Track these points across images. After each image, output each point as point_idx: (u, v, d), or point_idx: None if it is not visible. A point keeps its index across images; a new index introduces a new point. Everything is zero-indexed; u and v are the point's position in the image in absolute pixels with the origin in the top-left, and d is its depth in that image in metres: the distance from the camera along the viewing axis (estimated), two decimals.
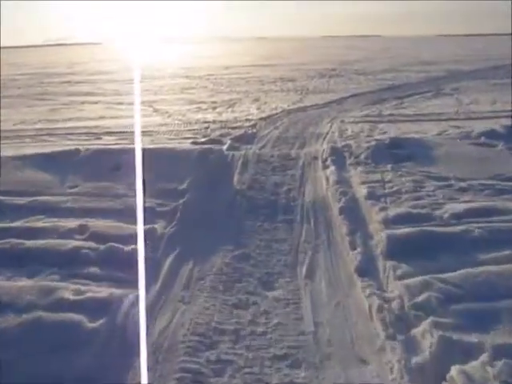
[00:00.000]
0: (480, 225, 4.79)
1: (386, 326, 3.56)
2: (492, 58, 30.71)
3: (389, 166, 6.97)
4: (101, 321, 3.52)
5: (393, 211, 5.29)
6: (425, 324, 3.42)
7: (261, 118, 12.56)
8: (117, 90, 20.54)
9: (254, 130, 11.03)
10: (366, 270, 4.42)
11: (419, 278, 3.95)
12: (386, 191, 5.99)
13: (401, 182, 6.26)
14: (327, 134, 10.33)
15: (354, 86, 19.14)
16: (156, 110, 14.92)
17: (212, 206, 6.20)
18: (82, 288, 4.02)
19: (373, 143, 7.89)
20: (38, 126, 13.00)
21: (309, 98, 16.63)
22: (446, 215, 5.12)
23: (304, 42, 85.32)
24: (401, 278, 4.08)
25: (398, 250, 4.51)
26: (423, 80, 20.57)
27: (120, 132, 11.43)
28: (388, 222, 5.05)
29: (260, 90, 19.19)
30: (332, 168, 7.14)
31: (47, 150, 8.42)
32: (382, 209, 5.41)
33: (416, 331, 3.44)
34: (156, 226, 5.42)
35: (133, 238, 5.02)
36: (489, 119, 11.43)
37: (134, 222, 5.52)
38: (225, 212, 6.03)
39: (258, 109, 14.39)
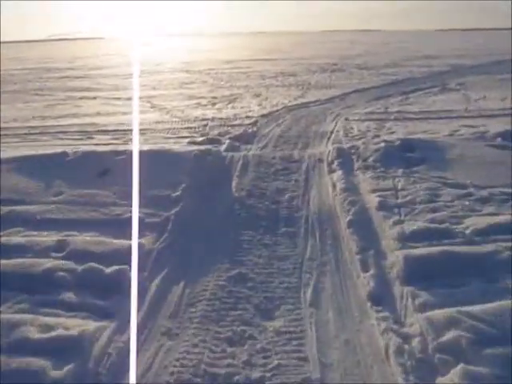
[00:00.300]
0: (509, 244, 4.22)
1: (406, 373, 3.00)
2: (494, 52, 29.98)
3: (400, 171, 6.39)
4: (68, 367, 2.98)
5: (408, 226, 4.71)
6: (454, 373, 2.86)
7: (262, 115, 12.02)
8: (116, 84, 20.20)
9: (255, 129, 10.47)
10: (380, 297, 3.86)
11: (444, 312, 3.39)
12: (399, 201, 5.42)
13: (415, 190, 5.69)
14: (332, 133, 9.75)
15: (357, 81, 18.64)
16: (154, 106, 14.45)
17: (207, 216, 5.65)
18: (52, 322, 3.47)
19: (382, 145, 7.29)
20: (31, 123, 12.51)
21: (311, 93, 16.14)
22: (469, 231, 4.55)
23: (304, 36, 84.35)
24: (421, 309, 3.52)
25: (417, 273, 3.95)
26: (427, 75, 20.05)
27: (114, 130, 10.92)
28: (403, 239, 4.49)
29: (261, 84, 18.69)
30: (339, 173, 6.57)
31: (34, 152, 7.86)
32: (396, 222, 4.85)
33: (443, 382, 2.88)
34: (144, 240, 4.87)
35: (116, 256, 4.49)
36: (501, 117, 10.84)
37: (119, 236, 5.01)
38: (221, 223, 5.48)
39: (259, 105, 13.88)
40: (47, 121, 12.77)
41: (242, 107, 13.60)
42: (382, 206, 5.27)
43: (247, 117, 11.86)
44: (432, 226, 4.70)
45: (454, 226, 4.68)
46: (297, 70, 23.26)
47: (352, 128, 9.97)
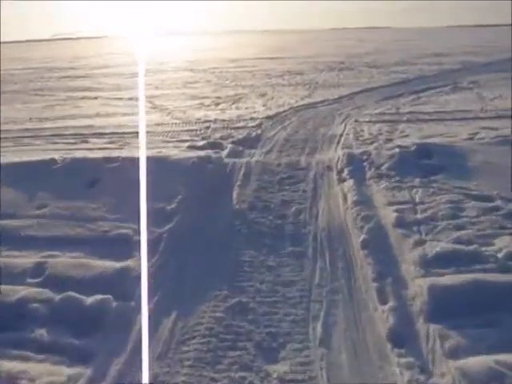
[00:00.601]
0: None
1: None
2: (504, 49, 29.15)
3: (417, 181, 5.82)
4: None
5: (431, 247, 4.15)
6: None
7: (267, 117, 11.45)
8: (118, 84, 19.86)
9: (259, 131, 9.91)
10: (402, 337, 3.31)
11: (479, 360, 2.84)
12: (419, 216, 4.85)
13: (435, 204, 5.12)
14: (341, 136, 9.17)
15: (366, 80, 18.06)
16: (155, 107, 13.96)
17: (204, 233, 5.10)
18: (17, 368, 2.96)
19: (396, 150, 6.72)
20: (27, 125, 12.07)
21: (318, 92, 15.58)
22: (501, 255, 3.99)
23: (309, 34, 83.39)
24: (453, 354, 2.97)
25: (444, 307, 3.40)
26: (437, 73, 19.43)
27: (111, 133, 10.41)
28: (426, 264, 3.93)
29: (267, 84, 18.15)
30: (350, 182, 6.01)
31: (23, 158, 7.36)
32: (417, 243, 4.29)
33: None
34: (131, 262, 4.34)
35: (100, 283, 3.97)
36: None
37: (105, 257, 4.49)
38: (220, 241, 4.93)
39: (264, 105, 13.34)
40: (44, 123, 12.33)
41: (246, 108, 13.07)
42: (399, 223, 4.71)
43: (251, 118, 11.31)
44: (458, 247, 4.13)
45: (484, 248, 4.11)
46: (303, 69, 22.66)
47: (362, 131, 9.39)
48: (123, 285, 3.97)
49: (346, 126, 10.16)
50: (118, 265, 4.23)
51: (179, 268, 4.42)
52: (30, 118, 13.00)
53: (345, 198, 5.66)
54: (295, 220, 5.30)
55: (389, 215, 4.93)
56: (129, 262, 4.30)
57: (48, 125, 11.98)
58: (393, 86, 16.53)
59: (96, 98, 16.51)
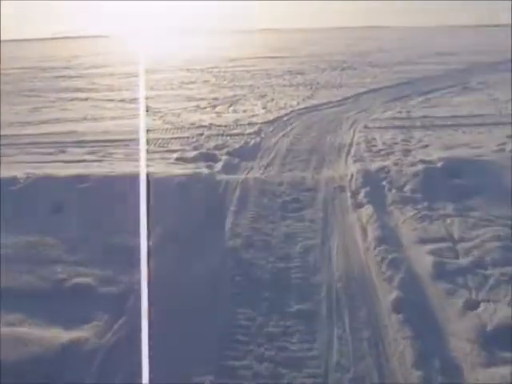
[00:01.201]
0: None
1: None
2: (508, 49, 28.21)
3: (450, 208, 4.75)
4: None
5: (488, 314, 3.07)
6: None
7: (267, 122, 10.43)
8: (111, 85, 19.09)
9: (258, 139, 8.85)
10: None
11: None
12: (462, 261, 3.77)
13: (479, 241, 4.03)
14: (351, 145, 8.07)
15: (370, 80, 17.34)
16: (148, 109, 12.96)
17: (187, 282, 4.00)
18: None
19: (419, 167, 5.65)
20: (7, 131, 11.02)
21: (321, 93, 14.72)
22: None
23: (310, 33, 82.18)
24: None
25: None
26: (443, 73, 18.66)
27: (93, 141, 9.35)
28: (486, 342, 2.85)
29: (266, 84, 17.29)
30: (368, 209, 4.91)
31: None
32: (467, 305, 3.20)
33: None
34: (86, 330, 3.26)
35: (35, 369, 2.89)
36: None
37: (55, 322, 3.41)
38: (206, 296, 3.81)
39: (264, 108, 12.40)
40: (26, 128, 11.32)
41: (244, 111, 12.08)
42: (439, 272, 3.62)
43: (250, 123, 10.27)
44: None
45: None
46: (305, 68, 21.78)
47: (374, 139, 8.28)
48: (68, 371, 2.89)
49: (354, 132, 9.12)
50: (66, 336, 3.15)
51: (149, 338, 3.32)
52: (12, 123, 12.02)
53: (364, 232, 4.54)
54: (302, 262, 4.18)
55: (423, 259, 3.84)
56: (83, 332, 3.21)
57: (29, 131, 10.97)
58: (399, 86, 15.78)
59: (86, 99, 15.71)
